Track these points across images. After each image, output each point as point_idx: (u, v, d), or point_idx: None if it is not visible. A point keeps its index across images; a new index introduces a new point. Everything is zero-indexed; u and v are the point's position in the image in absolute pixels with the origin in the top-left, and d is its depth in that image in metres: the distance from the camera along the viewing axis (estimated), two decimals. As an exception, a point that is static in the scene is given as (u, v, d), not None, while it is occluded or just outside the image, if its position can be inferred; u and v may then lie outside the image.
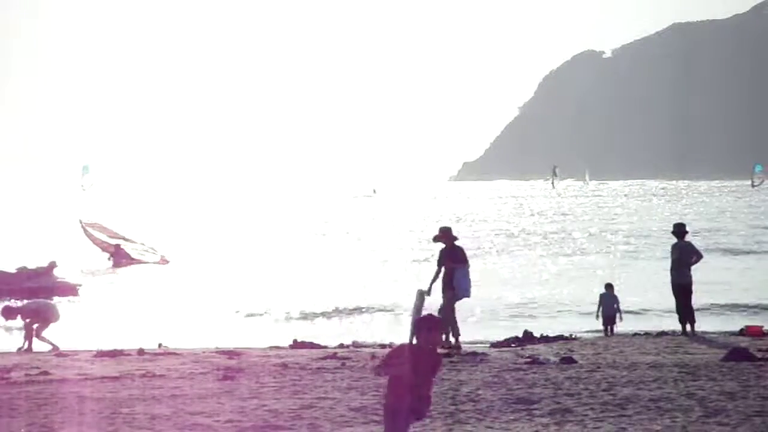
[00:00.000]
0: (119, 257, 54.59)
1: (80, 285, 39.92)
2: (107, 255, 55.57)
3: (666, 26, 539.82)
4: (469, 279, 24.14)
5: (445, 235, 24.50)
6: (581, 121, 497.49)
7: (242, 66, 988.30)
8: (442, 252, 24.49)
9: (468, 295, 24.24)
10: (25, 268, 39.59)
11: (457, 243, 24.49)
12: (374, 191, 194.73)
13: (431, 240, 25.04)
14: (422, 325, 10.66)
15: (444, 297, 24.07)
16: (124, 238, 56.53)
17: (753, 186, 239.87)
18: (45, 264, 39.97)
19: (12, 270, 39.63)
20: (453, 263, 24.08)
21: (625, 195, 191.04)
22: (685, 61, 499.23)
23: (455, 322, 24.11)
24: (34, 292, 36.01)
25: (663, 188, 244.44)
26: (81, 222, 57.31)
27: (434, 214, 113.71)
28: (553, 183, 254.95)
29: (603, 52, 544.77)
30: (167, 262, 54.88)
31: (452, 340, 24.00)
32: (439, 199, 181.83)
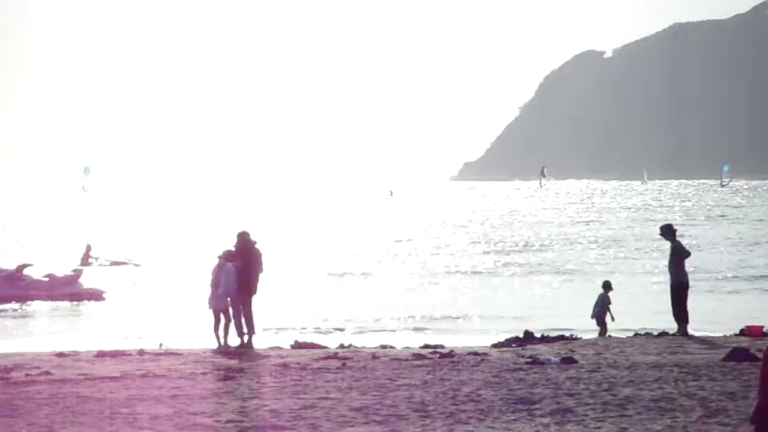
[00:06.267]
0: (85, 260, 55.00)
1: (105, 291, 41.91)
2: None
3: (666, 26, 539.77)
4: (231, 278, 24.92)
5: (241, 237, 25.43)
6: (581, 121, 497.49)
7: (245, 70, 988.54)
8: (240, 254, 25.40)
9: (229, 295, 25.01)
10: (53, 275, 41.27)
11: (255, 246, 25.42)
12: (391, 193, 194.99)
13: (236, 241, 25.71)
14: None
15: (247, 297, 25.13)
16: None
17: (722, 186, 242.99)
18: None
19: (41, 277, 41.03)
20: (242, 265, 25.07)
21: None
22: (686, 61, 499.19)
23: (250, 320, 25.05)
24: (65, 299, 38.70)
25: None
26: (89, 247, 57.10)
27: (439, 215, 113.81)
28: (540, 183, 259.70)
29: (603, 52, 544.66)
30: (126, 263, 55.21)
31: (246, 337, 25.09)
32: (439, 200, 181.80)
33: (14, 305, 38.23)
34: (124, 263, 54.97)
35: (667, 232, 26.87)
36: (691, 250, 27.86)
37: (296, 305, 38.30)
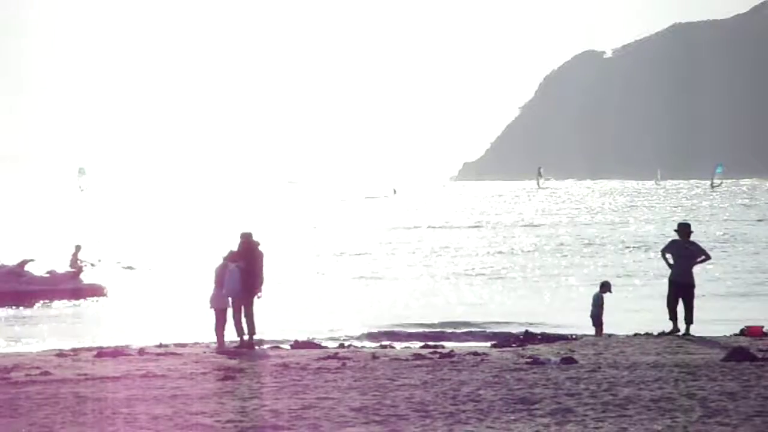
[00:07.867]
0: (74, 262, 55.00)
1: (107, 287, 42.11)
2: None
3: (666, 26, 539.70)
4: (235, 278, 25.19)
5: (244, 239, 25.65)
6: (581, 121, 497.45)
7: (245, 69, 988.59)
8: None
9: (232, 295, 25.24)
10: (54, 271, 41.38)
11: (258, 247, 25.67)
12: (394, 191, 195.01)
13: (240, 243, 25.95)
14: None
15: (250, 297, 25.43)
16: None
17: (712, 187, 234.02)
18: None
19: (42, 273, 41.17)
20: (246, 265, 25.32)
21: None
22: (686, 61, 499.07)
23: (251, 319, 25.26)
24: (66, 295, 38.90)
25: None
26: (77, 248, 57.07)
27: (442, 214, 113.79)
28: (538, 183, 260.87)
29: (603, 52, 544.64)
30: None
31: (246, 336, 25.27)
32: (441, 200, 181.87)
33: (14, 304, 38.26)
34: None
35: (683, 230, 26.57)
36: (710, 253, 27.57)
37: (297, 305, 38.32)
